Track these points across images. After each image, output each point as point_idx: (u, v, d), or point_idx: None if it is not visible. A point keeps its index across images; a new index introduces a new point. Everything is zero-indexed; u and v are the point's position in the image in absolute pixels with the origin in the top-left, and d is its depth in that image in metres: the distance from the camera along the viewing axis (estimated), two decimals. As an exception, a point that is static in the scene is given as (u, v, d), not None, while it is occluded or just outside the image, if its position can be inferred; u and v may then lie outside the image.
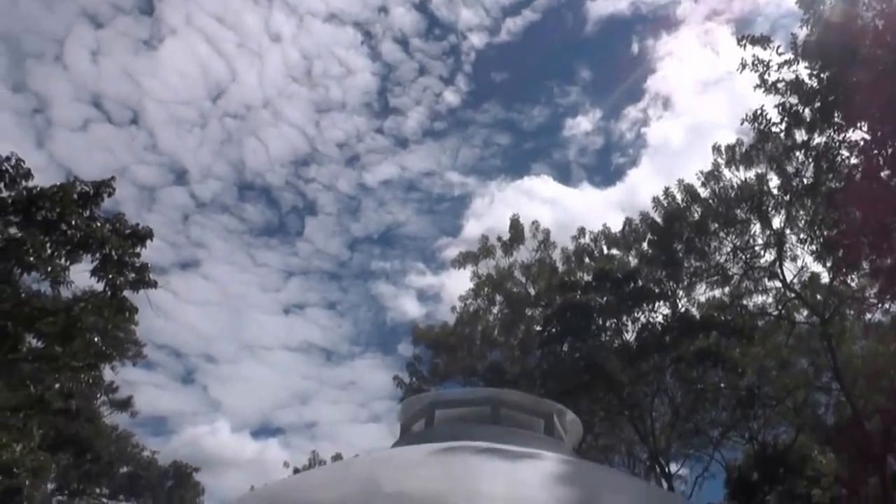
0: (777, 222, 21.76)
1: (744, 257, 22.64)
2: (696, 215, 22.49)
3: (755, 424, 24.05)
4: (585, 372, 19.95)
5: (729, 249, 22.60)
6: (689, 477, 26.34)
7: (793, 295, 22.36)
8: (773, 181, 21.08)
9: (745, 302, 23.20)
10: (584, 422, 10.12)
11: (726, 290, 23.24)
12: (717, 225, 22.36)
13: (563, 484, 5.77)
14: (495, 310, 27.15)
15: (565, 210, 47.81)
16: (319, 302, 67.41)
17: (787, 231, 21.55)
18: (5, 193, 17.63)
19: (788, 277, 22.20)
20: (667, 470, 23.14)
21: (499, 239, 27.48)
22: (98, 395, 25.63)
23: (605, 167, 67.56)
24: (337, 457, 32.87)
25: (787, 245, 21.77)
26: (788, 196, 20.56)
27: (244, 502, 5.66)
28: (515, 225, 27.44)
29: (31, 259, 16.17)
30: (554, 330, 21.24)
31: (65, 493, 29.88)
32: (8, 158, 17.71)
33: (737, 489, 23.86)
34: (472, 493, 5.28)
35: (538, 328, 24.02)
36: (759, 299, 23.39)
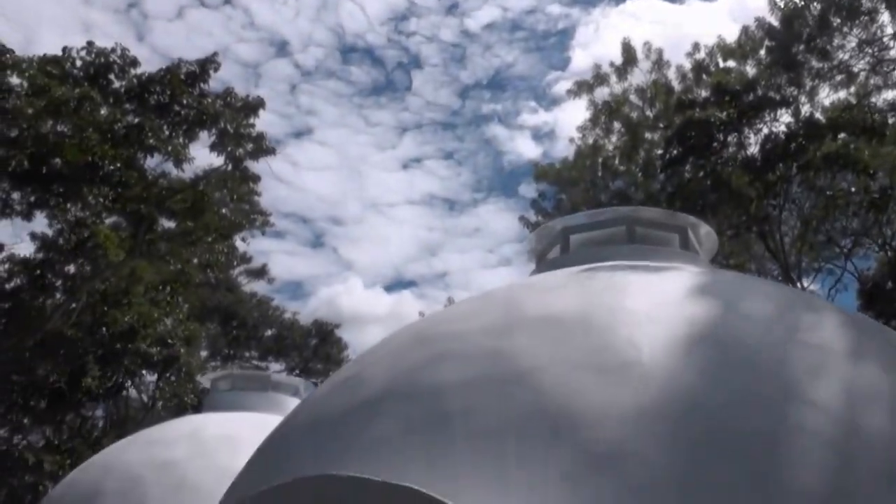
0: (908, 8, 19.74)
1: (871, 51, 20.89)
2: (816, 11, 20.69)
3: (888, 230, 23.07)
4: (711, 191, 19.47)
5: (854, 45, 20.88)
6: (822, 291, 25.79)
7: (926, 85, 20.65)
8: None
9: (873, 100, 21.60)
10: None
11: (852, 89, 21.75)
12: (839, 19, 20.53)
13: (705, 293, 5.67)
14: (614, 138, 26.54)
15: (676, 27, 45.07)
16: (436, 153, 67.79)
17: (919, 15, 19.58)
18: (117, 84, 18.29)
19: (921, 66, 20.45)
20: (799, 284, 22.71)
21: (611, 64, 26.48)
22: (234, 265, 27.14)
23: (711, -23, 62.65)
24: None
25: (919, 30, 19.87)
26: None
27: (393, 338, 5.87)
28: (627, 48, 26.22)
29: (152, 142, 16.94)
30: (675, 151, 20.58)
31: (217, 359, 32.36)
32: (113, 50, 18.23)
33: (870, 299, 23.18)
34: (616, 308, 5.26)
35: (659, 151, 23.41)
36: (889, 95, 21.69)
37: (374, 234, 59.53)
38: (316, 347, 34.62)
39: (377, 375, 5.12)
